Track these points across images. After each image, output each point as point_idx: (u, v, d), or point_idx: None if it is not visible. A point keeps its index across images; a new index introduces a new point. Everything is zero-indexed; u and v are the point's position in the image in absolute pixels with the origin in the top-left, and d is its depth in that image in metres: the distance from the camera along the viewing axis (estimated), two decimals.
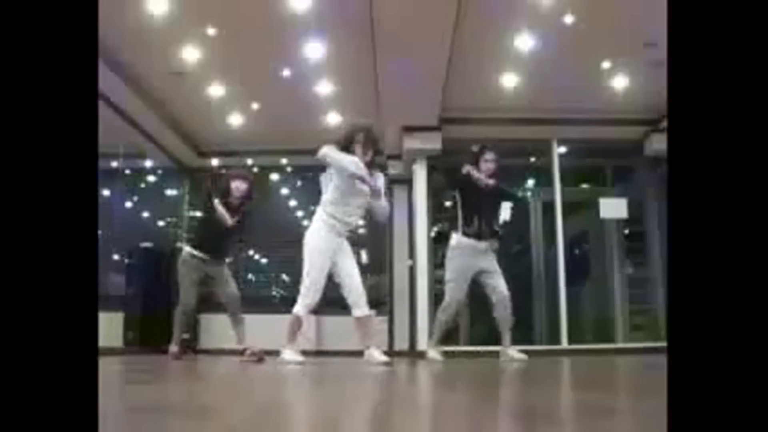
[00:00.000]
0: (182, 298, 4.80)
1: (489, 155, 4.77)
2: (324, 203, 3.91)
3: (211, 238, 4.78)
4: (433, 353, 4.76)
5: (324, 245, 3.81)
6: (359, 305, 3.80)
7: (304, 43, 5.61)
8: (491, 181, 4.70)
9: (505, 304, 4.64)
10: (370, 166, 3.84)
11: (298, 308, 3.81)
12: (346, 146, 3.81)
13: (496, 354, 4.79)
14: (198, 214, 4.97)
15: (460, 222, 4.75)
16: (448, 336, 5.19)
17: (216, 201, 4.69)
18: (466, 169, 4.72)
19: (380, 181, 3.91)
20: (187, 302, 4.78)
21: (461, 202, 4.78)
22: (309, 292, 3.79)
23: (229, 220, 4.65)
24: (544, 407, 1.49)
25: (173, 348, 4.88)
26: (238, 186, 4.77)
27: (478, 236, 4.66)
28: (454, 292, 4.71)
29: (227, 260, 5.13)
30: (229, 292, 4.84)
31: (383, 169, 3.89)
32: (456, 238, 4.73)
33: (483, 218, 4.69)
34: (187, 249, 4.91)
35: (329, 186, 3.89)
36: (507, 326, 4.66)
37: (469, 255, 4.67)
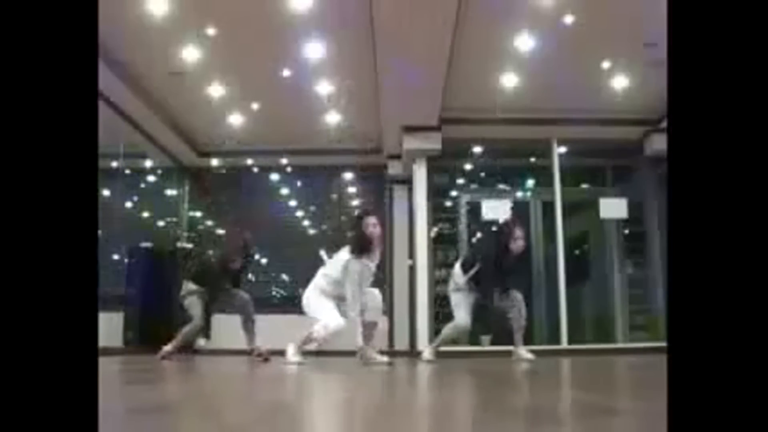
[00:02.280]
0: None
1: (519, 232, 4.70)
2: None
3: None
4: (428, 354, 4.80)
5: None
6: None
7: (304, 43, 5.61)
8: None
9: (519, 307, 4.68)
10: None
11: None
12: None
13: (497, 354, 4.79)
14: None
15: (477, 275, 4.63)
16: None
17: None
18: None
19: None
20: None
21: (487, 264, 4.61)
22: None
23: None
24: (544, 407, 1.49)
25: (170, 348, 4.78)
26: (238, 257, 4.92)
27: (484, 295, 4.61)
28: (460, 318, 4.64)
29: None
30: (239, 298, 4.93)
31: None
32: (464, 279, 4.63)
33: (499, 286, 4.67)
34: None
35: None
36: (519, 327, 4.68)
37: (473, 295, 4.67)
